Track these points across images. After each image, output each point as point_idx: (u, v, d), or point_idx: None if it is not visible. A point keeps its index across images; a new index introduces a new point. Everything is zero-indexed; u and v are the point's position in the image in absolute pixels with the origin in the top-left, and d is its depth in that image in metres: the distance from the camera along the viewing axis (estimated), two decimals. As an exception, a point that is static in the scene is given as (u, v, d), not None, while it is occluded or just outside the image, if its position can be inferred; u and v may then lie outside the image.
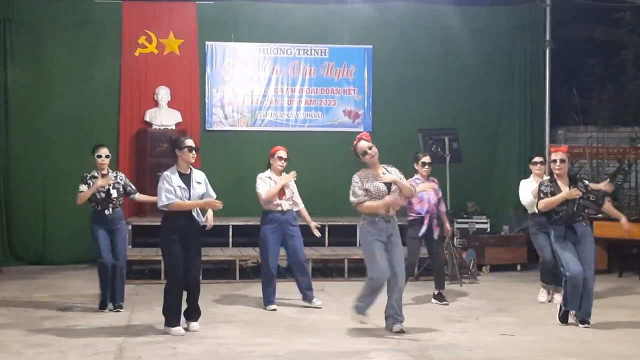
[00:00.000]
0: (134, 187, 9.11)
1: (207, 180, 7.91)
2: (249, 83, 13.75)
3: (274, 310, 8.97)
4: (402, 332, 7.62)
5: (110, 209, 8.80)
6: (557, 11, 14.29)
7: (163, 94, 13.23)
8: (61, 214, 12.89)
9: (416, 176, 9.56)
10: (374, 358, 6.75)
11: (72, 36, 13.22)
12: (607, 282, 11.38)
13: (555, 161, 8.07)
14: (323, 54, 13.97)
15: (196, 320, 7.83)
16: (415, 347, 7.09)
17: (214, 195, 7.90)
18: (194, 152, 7.72)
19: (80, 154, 12.86)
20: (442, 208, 9.83)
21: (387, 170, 7.67)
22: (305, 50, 13.93)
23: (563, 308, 8.14)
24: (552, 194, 7.99)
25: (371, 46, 14.03)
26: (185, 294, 7.77)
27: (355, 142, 7.80)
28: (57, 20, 13.19)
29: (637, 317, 8.76)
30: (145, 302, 9.29)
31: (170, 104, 13.30)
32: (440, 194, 9.75)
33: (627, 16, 15.00)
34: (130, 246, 11.85)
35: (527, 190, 9.54)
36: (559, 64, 14.64)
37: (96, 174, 8.84)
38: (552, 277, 9.52)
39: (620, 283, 11.51)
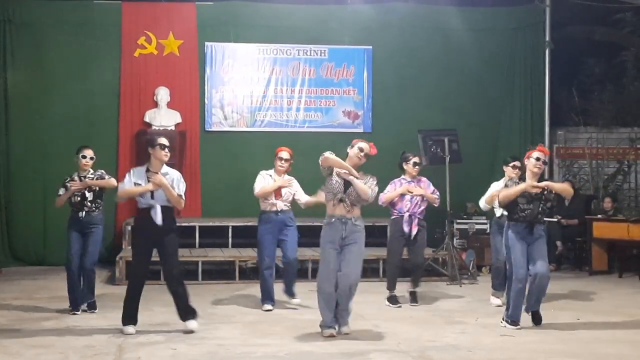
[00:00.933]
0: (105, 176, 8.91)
1: (179, 179, 7.73)
2: (249, 84, 13.75)
3: (269, 310, 8.95)
4: (347, 334, 7.57)
5: (84, 213, 8.74)
6: (557, 12, 14.32)
7: (163, 94, 13.23)
8: (61, 215, 12.75)
9: (402, 177, 9.56)
10: (374, 359, 6.75)
11: (71, 37, 13.23)
12: (607, 283, 11.40)
13: (538, 159, 8.00)
14: (323, 54, 13.97)
15: (192, 319, 7.75)
16: (415, 348, 7.09)
17: (181, 191, 7.72)
18: (166, 150, 7.68)
19: (80, 155, 12.90)
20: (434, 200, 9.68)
21: (359, 178, 7.62)
22: (305, 51, 13.93)
23: (510, 320, 8.00)
24: None
25: (371, 47, 14.03)
26: (172, 296, 7.81)
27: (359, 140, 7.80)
28: (56, 21, 13.20)
29: (637, 317, 8.76)
30: (143, 303, 9.21)
31: (170, 105, 13.30)
32: (431, 189, 9.62)
33: (627, 17, 15.01)
34: (129, 247, 11.85)
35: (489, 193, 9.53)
36: (559, 64, 14.64)
37: (75, 177, 8.77)
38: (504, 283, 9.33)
39: (621, 284, 11.52)
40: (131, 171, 7.77)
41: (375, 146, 7.78)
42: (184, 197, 7.76)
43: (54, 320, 8.35)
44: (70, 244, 8.74)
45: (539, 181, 8.01)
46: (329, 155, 7.60)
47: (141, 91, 13.34)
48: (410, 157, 9.63)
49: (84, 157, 8.79)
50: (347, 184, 7.58)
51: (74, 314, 8.64)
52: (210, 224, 12.26)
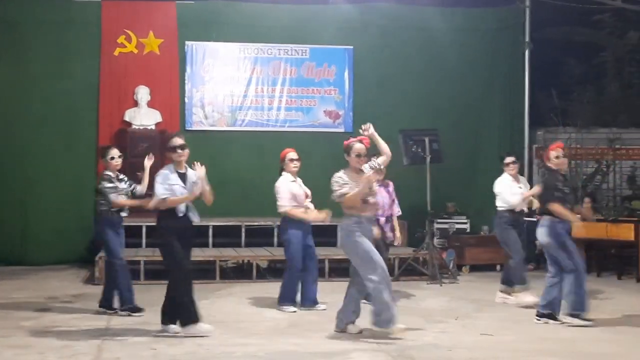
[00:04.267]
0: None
1: (201, 177, 7.76)
2: (229, 83, 13.71)
3: (294, 312, 8.89)
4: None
5: (125, 212, 8.77)
6: (537, 13, 14.39)
7: (143, 93, 13.16)
8: (41, 214, 12.81)
9: None
10: (355, 358, 6.75)
11: (51, 35, 13.14)
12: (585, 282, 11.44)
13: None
14: (304, 54, 13.96)
15: (175, 323, 7.70)
16: (395, 348, 7.09)
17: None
18: (179, 150, 7.64)
19: (60, 154, 12.84)
20: (395, 211, 9.62)
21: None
22: (286, 51, 13.91)
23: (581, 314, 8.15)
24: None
25: (352, 47, 14.06)
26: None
27: (352, 140, 7.81)
28: (36, 20, 13.10)
29: (616, 316, 8.81)
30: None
31: (150, 104, 13.25)
32: (394, 196, 9.63)
33: (606, 18, 15.12)
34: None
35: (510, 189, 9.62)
36: (539, 65, 14.72)
37: (113, 177, 8.65)
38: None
39: (599, 283, 11.56)
40: (161, 177, 7.57)
41: (367, 145, 7.89)
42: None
43: (33, 320, 8.29)
44: (114, 244, 8.62)
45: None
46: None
47: (121, 90, 13.27)
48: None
49: (113, 158, 8.68)
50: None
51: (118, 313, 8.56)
52: (191, 223, 12.18)
